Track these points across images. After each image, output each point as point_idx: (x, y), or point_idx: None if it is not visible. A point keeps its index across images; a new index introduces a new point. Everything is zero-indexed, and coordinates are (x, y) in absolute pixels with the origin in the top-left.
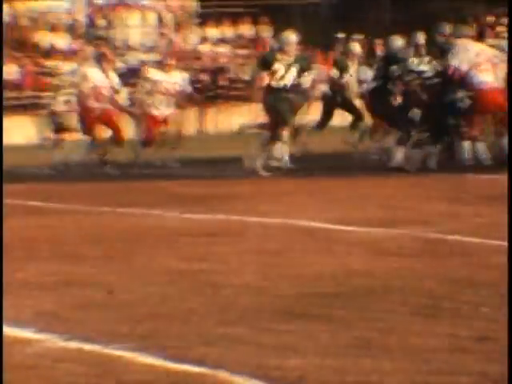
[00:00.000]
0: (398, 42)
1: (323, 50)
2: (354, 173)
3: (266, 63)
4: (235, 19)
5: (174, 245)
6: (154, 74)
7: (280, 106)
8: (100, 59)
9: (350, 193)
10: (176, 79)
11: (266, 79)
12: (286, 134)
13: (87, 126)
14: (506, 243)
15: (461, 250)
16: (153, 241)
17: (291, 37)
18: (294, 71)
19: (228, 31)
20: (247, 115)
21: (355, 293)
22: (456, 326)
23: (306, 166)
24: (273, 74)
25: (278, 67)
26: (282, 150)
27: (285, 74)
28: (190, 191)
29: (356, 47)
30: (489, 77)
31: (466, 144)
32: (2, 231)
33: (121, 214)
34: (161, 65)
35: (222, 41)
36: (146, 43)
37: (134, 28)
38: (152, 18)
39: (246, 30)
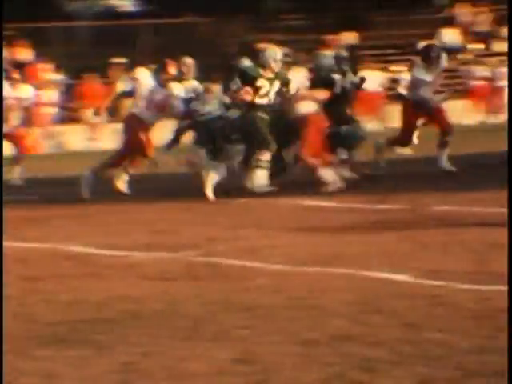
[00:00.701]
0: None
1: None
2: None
3: (248, 78)
4: None
5: None
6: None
7: (261, 126)
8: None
9: (120, 217)
10: (24, 94)
11: (250, 95)
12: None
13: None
14: (265, 265)
15: (223, 273)
16: None
17: (278, 53)
18: (276, 88)
19: None
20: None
21: (118, 317)
22: (216, 348)
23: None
24: (257, 89)
25: (262, 83)
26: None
27: (269, 90)
28: None
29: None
30: (310, 106)
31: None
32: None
33: None
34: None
35: None
36: None
37: None
38: None
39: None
